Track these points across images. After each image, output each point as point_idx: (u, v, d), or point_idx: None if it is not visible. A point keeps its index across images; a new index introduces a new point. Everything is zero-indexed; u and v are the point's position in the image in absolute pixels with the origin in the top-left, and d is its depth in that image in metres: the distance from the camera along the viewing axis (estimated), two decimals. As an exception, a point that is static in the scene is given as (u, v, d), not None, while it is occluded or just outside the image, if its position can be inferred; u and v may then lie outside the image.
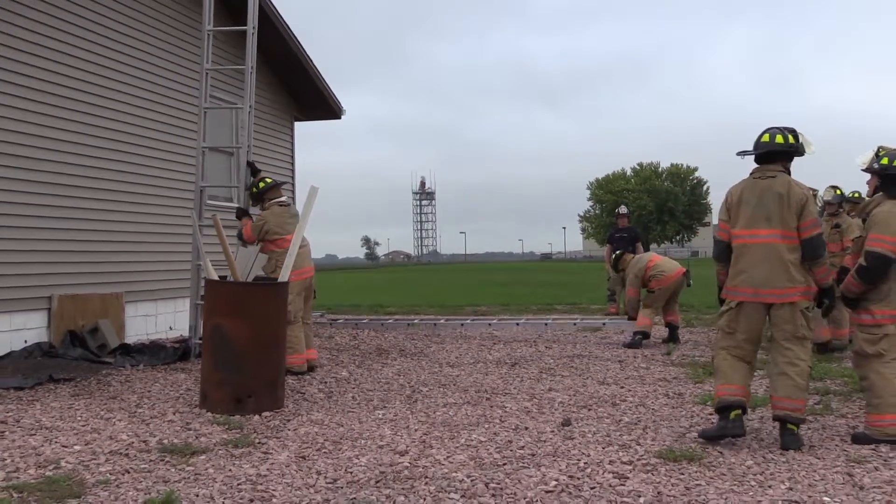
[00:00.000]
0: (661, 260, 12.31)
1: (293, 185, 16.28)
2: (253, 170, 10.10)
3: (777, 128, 6.28)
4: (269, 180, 9.71)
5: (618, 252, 13.71)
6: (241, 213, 9.77)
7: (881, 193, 6.30)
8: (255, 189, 9.69)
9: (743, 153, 6.41)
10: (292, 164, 16.35)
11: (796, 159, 6.40)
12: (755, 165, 6.32)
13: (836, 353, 10.75)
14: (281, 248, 8.97)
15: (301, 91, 16.11)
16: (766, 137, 6.25)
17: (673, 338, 11.98)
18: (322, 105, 16.64)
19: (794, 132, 6.28)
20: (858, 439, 6.00)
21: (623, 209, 18.44)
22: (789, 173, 6.25)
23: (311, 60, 15.45)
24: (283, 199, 9.67)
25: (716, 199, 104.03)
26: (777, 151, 6.22)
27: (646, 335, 11.76)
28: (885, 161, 6.29)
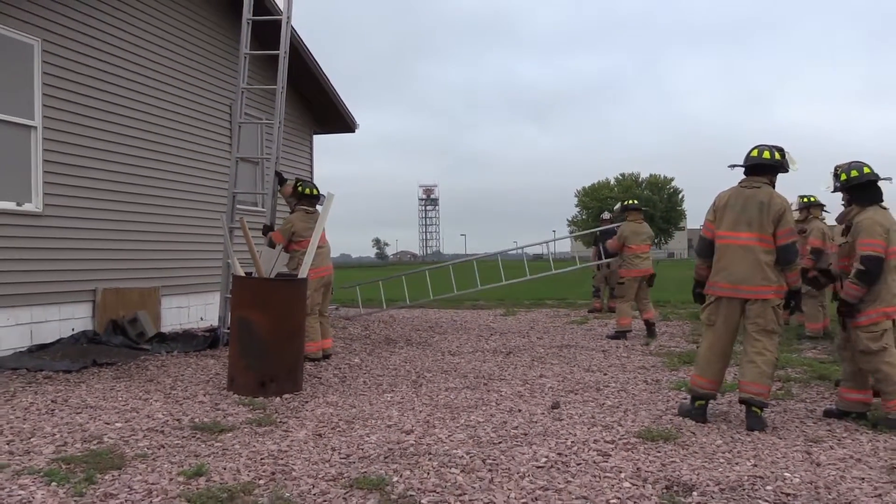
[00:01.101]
0: (644, 253, 12.19)
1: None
2: (280, 179, 10.05)
3: (766, 145, 6.30)
4: (316, 191, 9.59)
5: (636, 203, 12.74)
6: (267, 230, 9.74)
7: (854, 205, 6.23)
8: (300, 188, 9.58)
9: (733, 165, 6.42)
10: (311, 172, 16.37)
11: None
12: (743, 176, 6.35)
13: (806, 342, 10.89)
14: (303, 249, 8.97)
15: (320, 107, 16.13)
16: (755, 153, 6.28)
17: (650, 333, 11.97)
18: (338, 120, 16.66)
19: (780, 150, 6.30)
20: (883, 423, 5.90)
21: (606, 215, 18.42)
22: (773, 186, 6.26)
23: (329, 80, 15.46)
24: (310, 207, 9.58)
25: (690, 207, 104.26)
26: (763, 165, 6.24)
27: (628, 331, 11.80)
28: (843, 177, 6.24)
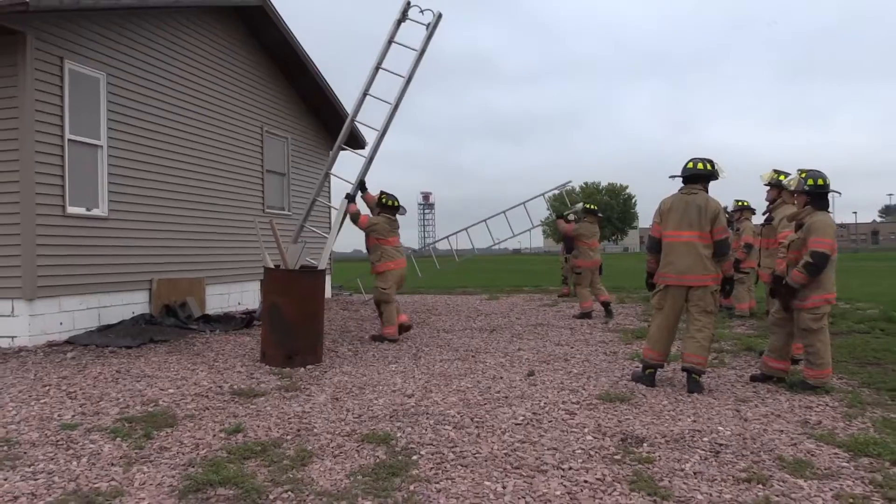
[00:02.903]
0: (595, 248, 12.27)
1: (329, 199, 16.23)
2: (362, 187, 9.64)
3: (699, 158, 6.29)
4: (397, 203, 9.14)
5: (595, 208, 12.71)
6: (350, 198, 9.37)
7: (809, 206, 6.14)
8: (384, 199, 9.09)
9: (673, 176, 6.41)
10: (329, 183, 16.30)
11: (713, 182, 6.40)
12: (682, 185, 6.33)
13: (736, 320, 10.96)
14: (385, 245, 8.86)
15: (335, 128, 16.02)
16: (690, 165, 6.27)
17: (608, 313, 11.97)
18: (350, 138, 16.49)
19: (711, 161, 6.28)
20: (799, 385, 5.97)
21: (571, 216, 18.36)
22: (707, 192, 6.27)
23: (343, 106, 15.41)
24: (391, 216, 9.09)
25: (642, 209, 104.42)
26: (699, 175, 6.24)
27: (591, 311, 11.83)
28: (811, 182, 6.13)
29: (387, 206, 9.06)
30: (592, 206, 12.74)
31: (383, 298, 8.88)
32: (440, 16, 9.54)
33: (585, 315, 11.68)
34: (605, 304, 12.03)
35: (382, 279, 8.90)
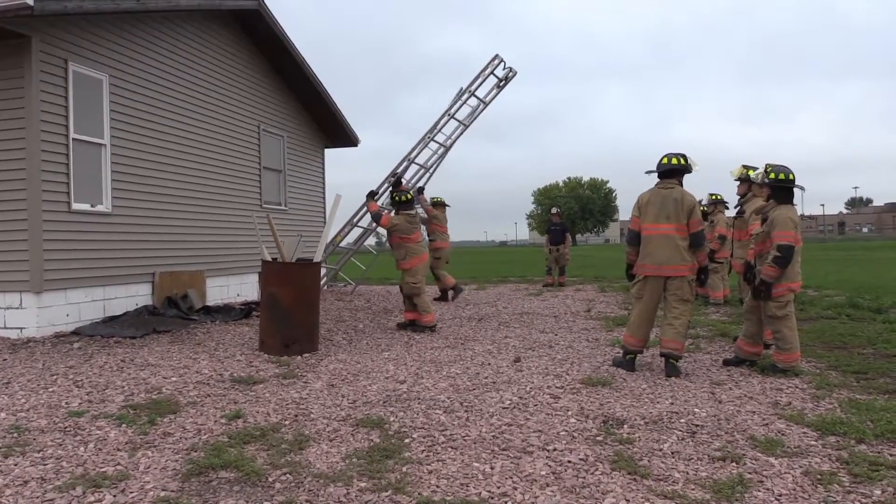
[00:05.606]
0: (445, 234, 12.82)
1: (324, 194, 16.20)
2: (397, 181, 9.72)
3: (673, 153, 6.28)
4: (410, 197, 9.03)
5: (442, 200, 13.02)
6: (371, 195, 9.42)
7: (773, 200, 6.15)
8: (395, 197, 9.05)
9: (650, 171, 6.40)
10: (323, 179, 16.27)
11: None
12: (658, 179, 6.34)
13: (711, 308, 11.00)
14: (409, 244, 8.83)
15: (329, 126, 15.98)
16: (665, 160, 6.27)
17: (444, 297, 12.68)
18: (344, 136, 16.50)
19: (684, 156, 6.28)
20: (770, 369, 6.01)
21: (555, 210, 18.41)
22: (682, 185, 6.28)
23: (337, 105, 15.34)
24: (411, 211, 9.02)
25: (621, 203, 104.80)
26: (674, 170, 6.25)
27: (444, 294, 12.68)
28: (773, 175, 6.14)
29: (402, 203, 9.00)
30: (440, 199, 13.22)
31: (415, 292, 8.90)
32: (514, 73, 9.88)
33: (453, 291, 12.47)
34: (443, 290, 12.77)
35: (412, 274, 8.92)
